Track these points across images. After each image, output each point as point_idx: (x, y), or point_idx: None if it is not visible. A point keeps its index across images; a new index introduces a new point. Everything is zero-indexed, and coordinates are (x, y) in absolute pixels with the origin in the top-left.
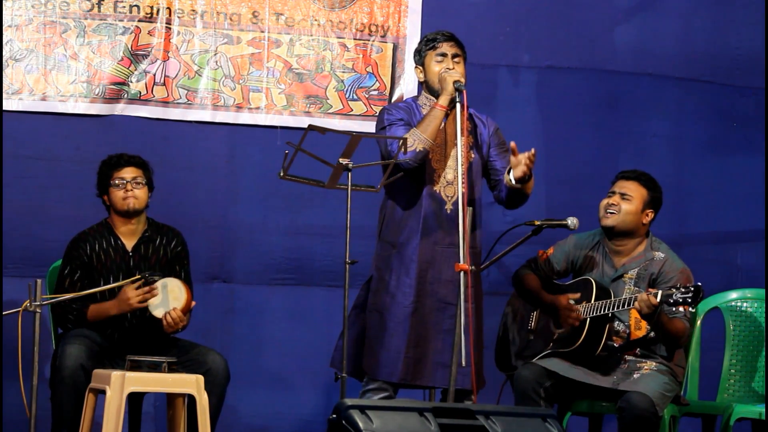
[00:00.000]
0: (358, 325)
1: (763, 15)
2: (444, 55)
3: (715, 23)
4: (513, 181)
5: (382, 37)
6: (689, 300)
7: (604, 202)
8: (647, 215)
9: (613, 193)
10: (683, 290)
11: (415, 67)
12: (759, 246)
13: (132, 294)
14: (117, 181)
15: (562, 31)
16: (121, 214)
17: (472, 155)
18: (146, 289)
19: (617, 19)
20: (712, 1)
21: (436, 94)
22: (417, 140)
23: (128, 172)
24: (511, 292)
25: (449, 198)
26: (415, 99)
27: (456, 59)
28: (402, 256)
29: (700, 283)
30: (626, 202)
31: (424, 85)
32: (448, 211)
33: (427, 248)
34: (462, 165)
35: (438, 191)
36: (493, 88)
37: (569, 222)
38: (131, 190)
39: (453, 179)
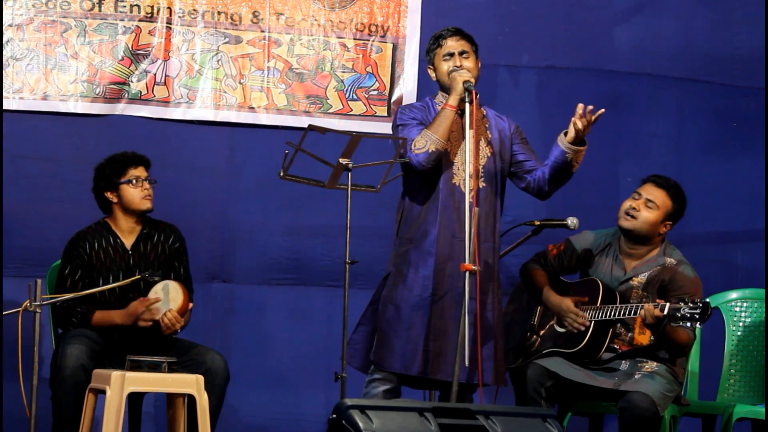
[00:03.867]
0: (374, 321)
1: (763, 15)
2: (451, 54)
3: (715, 23)
4: (566, 142)
5: (381, 37)
6: (697, 316)
7: (627, 203)
8: (665, 226)
9: (639, 195)
10: (691, 305)
11: (428, 66)
12: (759, 246)
13: (141, 308)
14: (133, 180)
15: (562, 31)
16: (132, 212)
17: (490, 151)
18: (151, 302)
19: (617, 19)
20: (712, 1)
21: (449, 92)
22: (429, 141)
23: (142, 171)
24: (510, 293)
25: (471, 191)
26: (432, 97)
27: (464, 55)
28: (420, 249)
29: (708, 300)
30: (648, 210)
31: (439, 84)
32: (468, 203)
33: (446, 241)
34: (471, 163)
35: (457, 184)
36: (493, 88)
37: (569, 222)
38: (148, 189)
39: (473, 172)
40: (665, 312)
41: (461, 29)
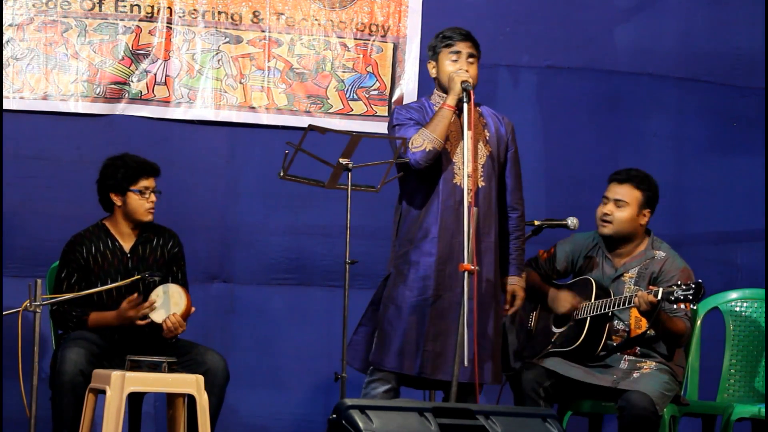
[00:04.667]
0: (375, 321)
1: (763, 15)
2: (459, 53)
3: (715, 23)
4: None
5: (382, 36)
6: (690, 297)
7: (599, 210)
8: (644, 216)
9: (607, 199)
10: (684, 287)
11: (428, 61)
12: (759, 246)
13: (132, 313)
14: (142, 190)
15: (562, 31)
16: (134, 220)
17: (488, 150)
18: (145, 306)
19: (617, 19)
20: (712, 0)
21: (447, 92)
22: (426, 140)
23: (152, 182)
24: None
25: (470, 191)
26: (428, 97)
27: (471, 59)
28: (420, 250)
29: (701, 280)
30: (620, 210)
31: (436, 82)
32: (467, 203)
33: (446, 242)
34: (470, 163)
35: (457, 183)
36: (493, 88)
37: (569, 222)
38: (153, 201)
39: (472, 171)
40: (659, 297)
41: (471, 33)
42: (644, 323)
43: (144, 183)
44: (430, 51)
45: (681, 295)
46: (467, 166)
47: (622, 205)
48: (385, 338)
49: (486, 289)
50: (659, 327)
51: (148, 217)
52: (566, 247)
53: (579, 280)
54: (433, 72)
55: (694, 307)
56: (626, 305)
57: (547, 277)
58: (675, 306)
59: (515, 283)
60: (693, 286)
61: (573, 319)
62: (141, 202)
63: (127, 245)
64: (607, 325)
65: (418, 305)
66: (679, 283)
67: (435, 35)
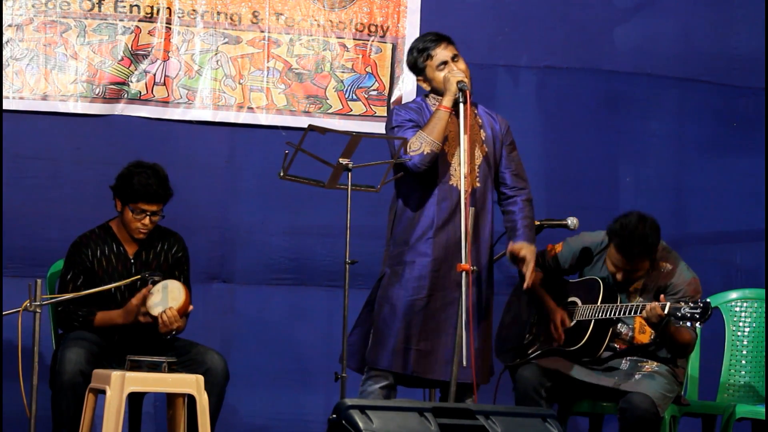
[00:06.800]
0: (370, 322)
1: (763, 15)
2: (445, 63)
3: (714, 23)
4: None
5: (381, 37)
6: (697, 316)
7: (611, 268)
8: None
9: (617, 268)
10: (691, 305)
11: (418, 79)
12: (759, 246)
13: (134, 301)
14: (139, 211)
15: (561, 31)
16: (127, 231)
17: (485, 149)
18: (144, 292)
19: (617, 19)
20: (711, 1)
21: (443, 95)
22: (424, 143)
23: (153, 207)
24: (510, 293)
25: (466, 192)
26: (424, 98)
27: (455, 59)
28: (416, 250)
29: (708, 300)
30: (638, 272)
31: (431, 92)
32: (464, 204)
33: (441, 242)
34: (466, 164)
35: (454, 184)
36: (492, 88)
37: (569, 222)
38: (147, 224)
39: (468, 172)
40: (666, 311)
41: (441, 34)
42: (649, 330)
43: (142, 206)
44: (413, 69)
45: (688, 313)
46: (464, 166)
47: (639, 269)
48: (380, 337)
49: (481, 289)
50: (666, 338)
51: (138, 236)
52: (573, 246)
53: (586, 279)
54: (425, 86)
55: (700, 326)
56: (634, 314)
57: (553, 274)
58: (681, 323)
59: (525, 246)
60: (701, 305)
61: (577, 320)
62: (134, 222)
63: (131, 250)
64: (611, 328)
65: (412, 305)
66: (687, 299)
67: (408, 52)
